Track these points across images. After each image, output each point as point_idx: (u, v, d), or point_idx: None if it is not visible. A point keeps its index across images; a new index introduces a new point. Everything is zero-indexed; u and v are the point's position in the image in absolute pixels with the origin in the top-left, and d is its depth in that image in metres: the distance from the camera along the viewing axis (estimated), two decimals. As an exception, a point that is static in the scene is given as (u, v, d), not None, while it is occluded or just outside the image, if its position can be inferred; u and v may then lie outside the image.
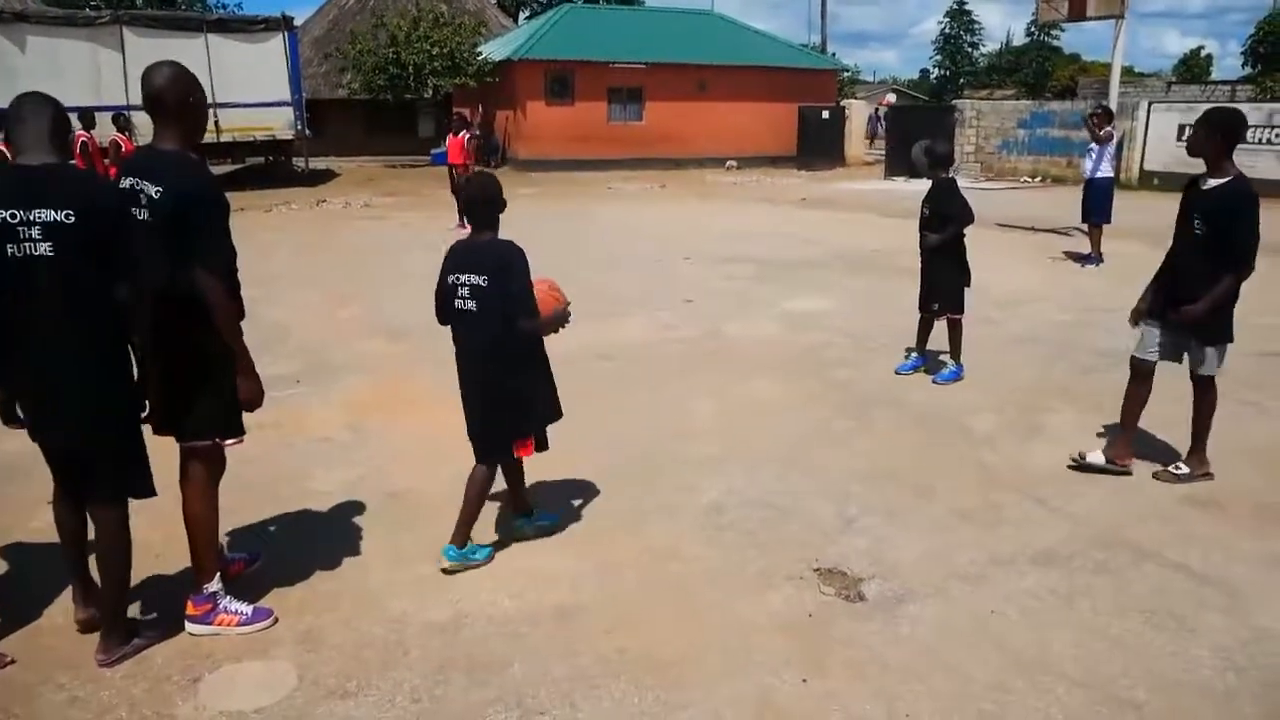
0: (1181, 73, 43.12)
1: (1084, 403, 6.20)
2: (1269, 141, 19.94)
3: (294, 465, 5.11)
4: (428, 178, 24.02)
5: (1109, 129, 11.72)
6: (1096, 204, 11.68)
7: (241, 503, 4.34)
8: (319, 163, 26.04)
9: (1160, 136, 20.79)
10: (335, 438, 5.57)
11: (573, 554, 4.07)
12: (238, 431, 3.45)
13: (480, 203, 3.96)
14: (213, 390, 3.32)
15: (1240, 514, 4.53)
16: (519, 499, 4.23)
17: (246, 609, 3.50)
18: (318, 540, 4.22)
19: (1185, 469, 4.93)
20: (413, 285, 10.18)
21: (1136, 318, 5.10)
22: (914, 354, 6.95)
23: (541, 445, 4.09)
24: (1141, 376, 5.04)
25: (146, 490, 3.28)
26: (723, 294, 9.76)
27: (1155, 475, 4.96)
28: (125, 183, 3.23)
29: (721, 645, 3.39)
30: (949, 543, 4.20)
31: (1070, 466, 5.03)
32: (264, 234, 14.19)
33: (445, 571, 3.87)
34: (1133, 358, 5.09)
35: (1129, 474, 4.94)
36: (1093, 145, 11.77)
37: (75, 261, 2.96)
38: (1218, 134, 4.64)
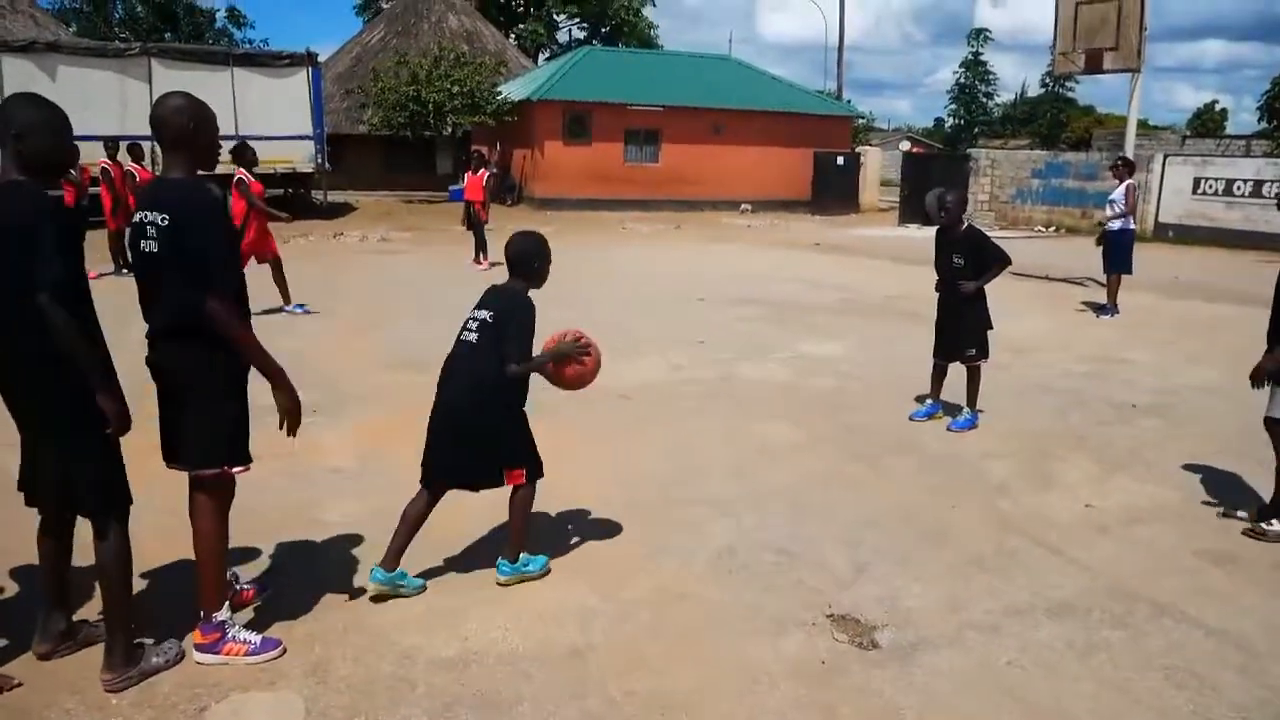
0: (1196, 127, 43.32)
1: (1099, 454, 6.16)
2: (1284, 197, 19.96)
3: (307, 495, 5.11)
4: (445, 214, 24.22)
5: (1130, 181, 11.80)
6: (1117, 255, 11.70)
7: (252, 531, 4.34)
8: (338, 196, 26.30)
9: (1175, 189, 20.85)
10: (348, 468, 5.57)
11: (585, 593, 4.04)
12: (244, 459, 3.44)
13: (514, 259, 4.14)
14: (217, 417, 3.33)
15: (1258, 570, 4.48)
16: (514, 540, 4.14)
17: (255, 639, 3.48)
18: (328, 571, 4.20)
19: (1278, 526, 4.83)
20: (429, 318, 10.26)
21: (1259, 376, 4.91)
22: (929, 401, 6.92)
23: (533, 476, 4.09)
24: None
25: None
26: (736, 336, 9.78)
27: (1244, 532, 4.87)
28: (136, 216, 3.27)
29: (732, 690, 3.35)
30: (964, 591, 4.15)
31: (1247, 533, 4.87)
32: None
33: (372, 598, 3.86)
34: (1267, 419, 4.94)
35: None
36: (1113, 197, 11.82)
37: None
38: None
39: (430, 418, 4.06)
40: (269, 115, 20.82)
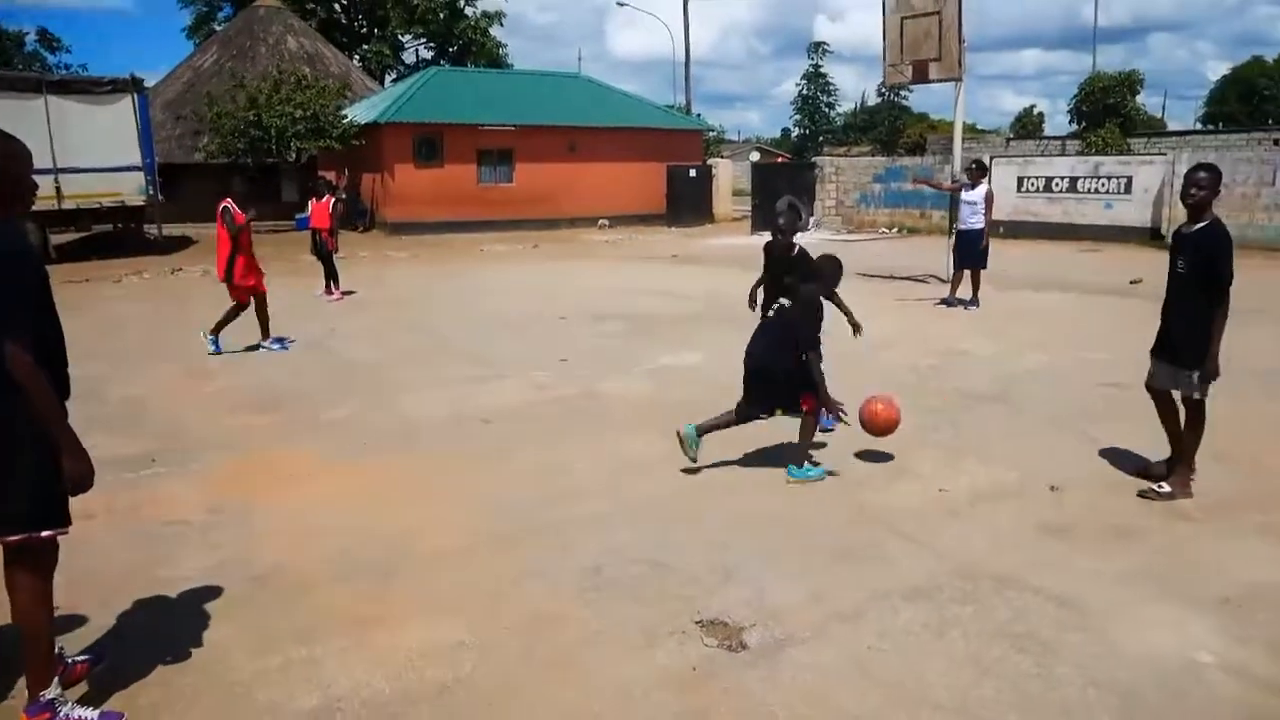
0: (1018, 129, 46.06)
1: (946, 441, 6.49)
2: (1095, 191, 21.51)
3: (148, 552, 4.79)
4: (292, 243, 23.44)
5: (985, 183, 12.54)
6: (976, 252, 12.39)
7: (84, 597, 4.08)
8: (174, 229, 25.08)
9: (1002, 188, 22.13)
10: (194, 520, 5.27)
11: (452, 627, 3.96)
12: (60, 521, 3.16)
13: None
14: (26, 476, 3.05)
15: (1088, 538, 4.80)
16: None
17: (92, 714, 3.23)
18: (175, 632, 3.95)
19: (1168, 488, 5.31)
20: (279, 353, 9.91)
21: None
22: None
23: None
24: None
25: None
26: (597, 352, 9.82)
27: (1140, 493, 5.34)
28: None
29: (607, 708, 3.35)
30: (826, 584, 4.29)
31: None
32: (114, 306, 13.58)
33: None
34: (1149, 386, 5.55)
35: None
36: (973, 199, 12.50)
37: None
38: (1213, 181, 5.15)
39: None
40: (91, 146, 19.55)
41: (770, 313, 6.20)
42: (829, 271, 6.06)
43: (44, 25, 68.94)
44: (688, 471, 5.93)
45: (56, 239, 19.16)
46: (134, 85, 20.87)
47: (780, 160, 31.00)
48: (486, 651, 3.75)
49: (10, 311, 2.95)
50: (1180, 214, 5.67)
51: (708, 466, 6.02)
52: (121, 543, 4.86)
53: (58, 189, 18.87)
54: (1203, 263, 5.13)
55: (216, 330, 9.99)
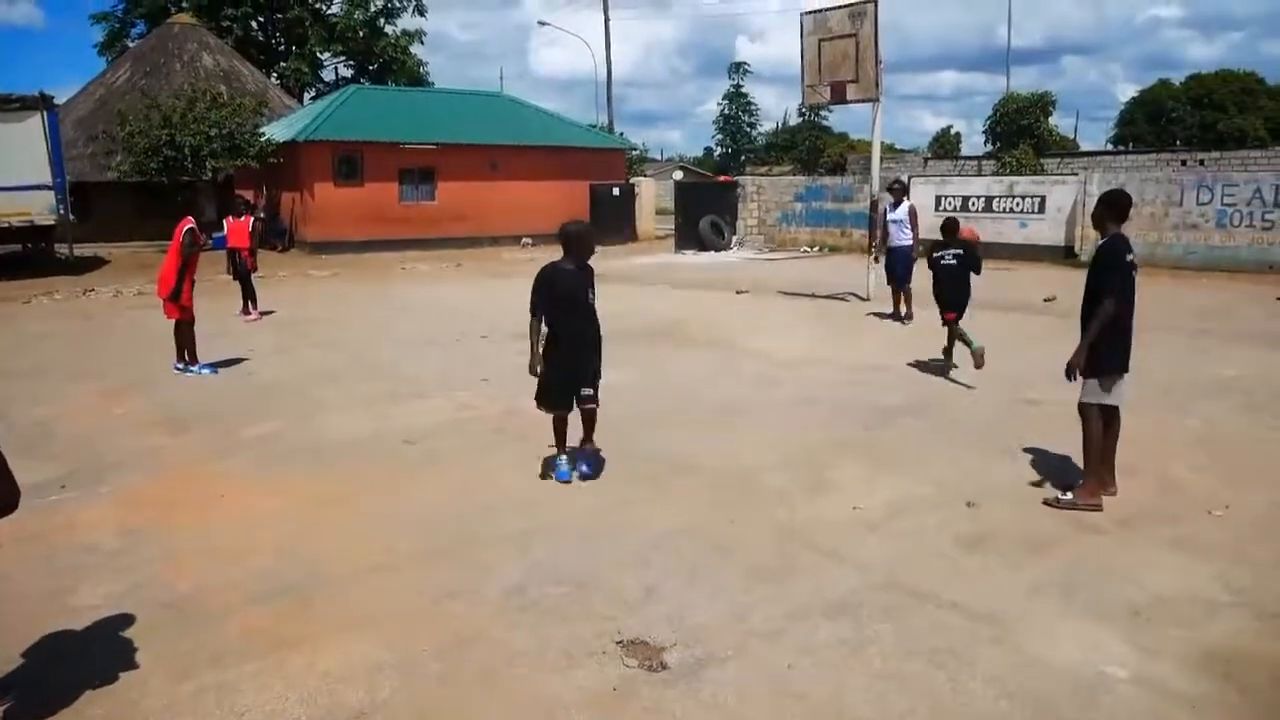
0: (935, 149, 47.33)
1: (865, 456, 6.60)
2: (1010, 210, 22.19)
3: (55, 580, 4.64)
4: (209, 262, 22.86)
5: (911, 202, 12.94)
6: (903, 269, 12.77)
7: (-8, 628, 3.93)
8: (86, 249, 24.29)
9: (920, 207, 22.54)
10: (104, 545, 5.11)
11: (370, 649, 3.90)
12: None
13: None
14: None
15: (1003, 549, 4.93)
16: None
17: None
18: (85, 661, 3.84)
19: (1070, 496, 5.57)
20: (197, 376, 9.65)
21: (1071, 371, 5.60)
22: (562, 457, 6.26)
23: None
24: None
25: None
26: (519, 371, 9.66)
27: (1045, 501, 5.59)
28: None
29: (528, 728, 3.33)
30: (747, 601, 4.33)
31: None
32: (23, 326, 13.08)
33: None
34: (1080, 404, 5.69)
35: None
36: (897, 217, 12.90)
37: None
38: (1100, 209, 5.70)
39: None
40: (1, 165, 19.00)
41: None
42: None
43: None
44: (609, 491, 5.93)
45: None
46: (44, 102, 20.30)
47: (724, 180, 31.16)
48: (405, 673, 3.70)
49: None
50: (1092, 233, 5.96)
51: (627, 484, 6.03)
52: (30, 571, 4.70)
53: None
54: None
55: (192, 357, 9.88)
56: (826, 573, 4.66)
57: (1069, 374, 5.56)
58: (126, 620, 4.17)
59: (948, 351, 9.36)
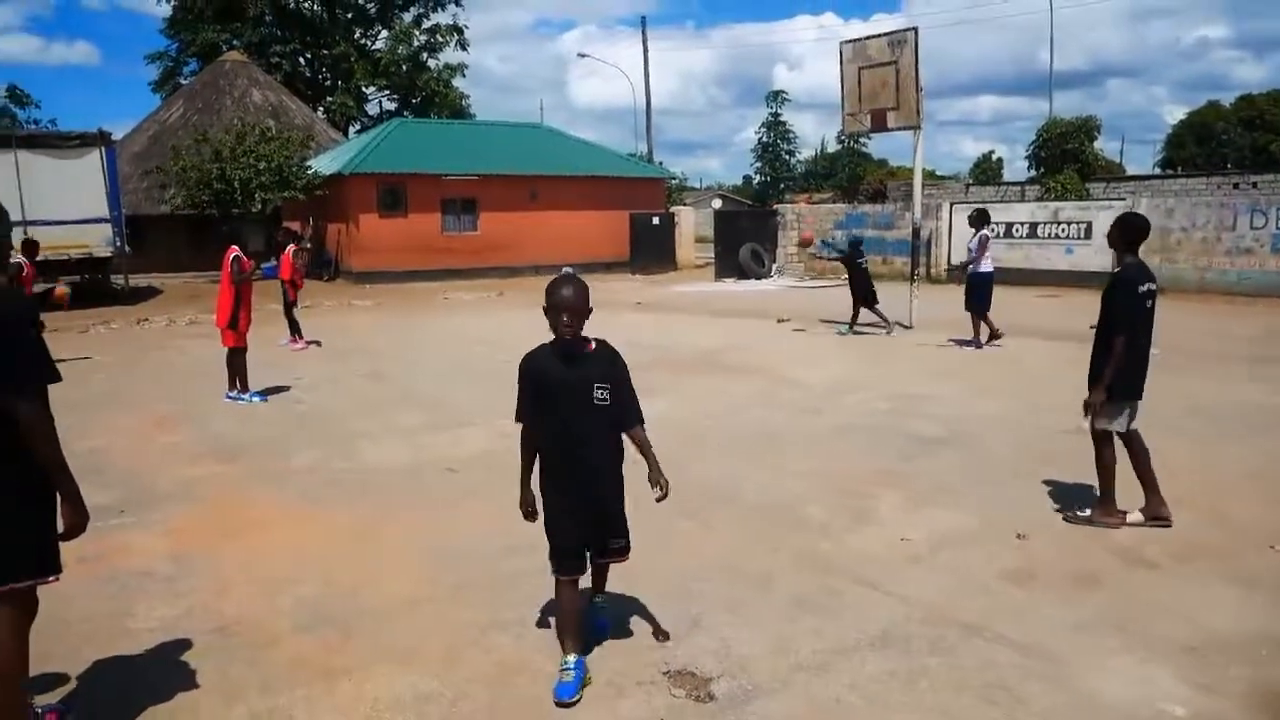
0: (977, 175, 47.02)
1: (906, 487, 6.54)
2: (1055, 236, 21.95)
3: (115, 603, 4.75)
4: (257, 292, 23.31)
5: (985, 231, 13.09)
6: (976, 295, 12.89)
7: (54, 646, 4.02)
8: (140, 280, 24.90)
9: (962, 234, 22.58)
10: (158, 570, 5.22)
11: (418, 677, 3.93)
12: (54, 568, 3.20)
13: None
14: (23, 525, 3.09)
15: (1052, 583, 4.85)
16: None
17: None
18: (143, 683, 3.90)
19: (1088, 512, 5.73)
20: (243, 404, 9.82)
21: (1088, 409, 5.70)
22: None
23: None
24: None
25: None
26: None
27: (1065, 518, 5.78)
28: None
29: (574, 759, 3.34)
30: (792, 633, 4.30)
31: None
32: (79, 356, 13.40)
33: None
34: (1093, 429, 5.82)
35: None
36: (971, 244, 13.01)
37: None
38: (1114, 232, 5.68)
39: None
40: (60, 199, 19.63)
41: None
42: None
43: (14, 81, 68.49)
44: (649, 521, 5.93)
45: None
46: (102, 139, 20.99)
47: (772, 208, 31.24)
48: (452, 702, 3.73)
49: (29, 370, 3.03)
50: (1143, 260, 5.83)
51: (668, 515, 6.02)
52: (90, 592, 4.80)
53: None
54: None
55: (243, 385, 10.13)
56: (872, 605, 4.62)
57: (1086, 411, 5.60)
58: (181, 645, 4.25)
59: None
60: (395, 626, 4.43)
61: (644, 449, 4.15)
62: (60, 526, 3.18)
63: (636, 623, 4.44)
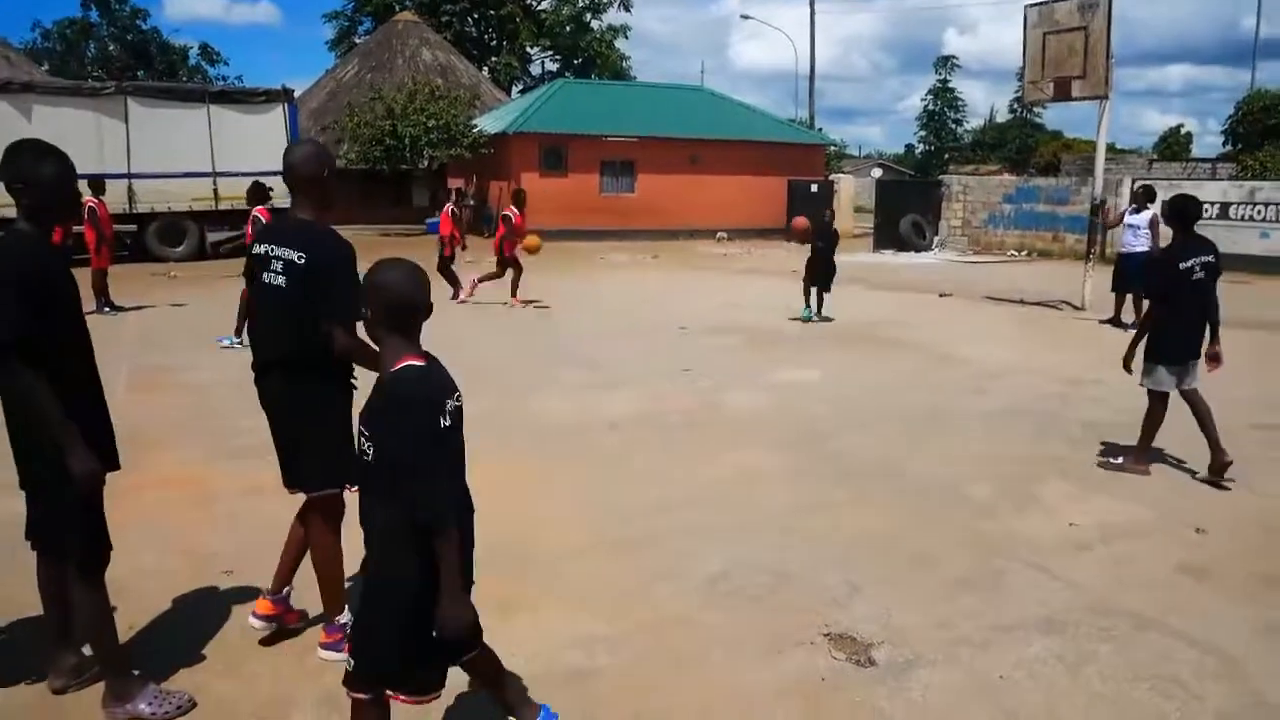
0: (1162, 150, 44.09)
1: (1075, 474, 6.33)
2: (1250, 218, 20.44)
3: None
4: (421, 246, 24.28)
5: (1150, 208, 12.46)
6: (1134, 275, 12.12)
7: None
8: (316, 229, 26.28)
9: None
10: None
11: (586, 620, 4.12)
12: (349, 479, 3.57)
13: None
14: (334, 441, 3.49)
15: (1231, 582, 4.64)
16: None
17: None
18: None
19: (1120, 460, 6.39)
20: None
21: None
22: None
23: None
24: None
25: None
26: (717, 364, 9.91)
27: (1099, 464, 6.42)
28: (259, 249, 3.53)
29: (736, 709, 3.44)
30: (953, 610, 4.27)
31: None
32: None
33: None
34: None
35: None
36: (1137, 223, 12.40)
37: None
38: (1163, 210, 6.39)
39: None
40: (246, 151, 20.83)
41: None
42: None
43: (205, 40, 73.05)
44: (806, 491, 5.96)
45: (211, 236, 20.41)
46: (285, 96, 22.14)
47: (936, 178, 30.23)
48: (617, 645, 3.90)
49: (351, 304, 3.24)
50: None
51: (826, 485, 6.04)
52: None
53: (215, 191, 20.30)
54: None
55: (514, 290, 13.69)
56: (1037, 589, 4.53)
57: (1125, 365, 6.35)
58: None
59: None
60: (564, 572, 4.63)
61: None
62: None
63: (793, 584, 4.49)
